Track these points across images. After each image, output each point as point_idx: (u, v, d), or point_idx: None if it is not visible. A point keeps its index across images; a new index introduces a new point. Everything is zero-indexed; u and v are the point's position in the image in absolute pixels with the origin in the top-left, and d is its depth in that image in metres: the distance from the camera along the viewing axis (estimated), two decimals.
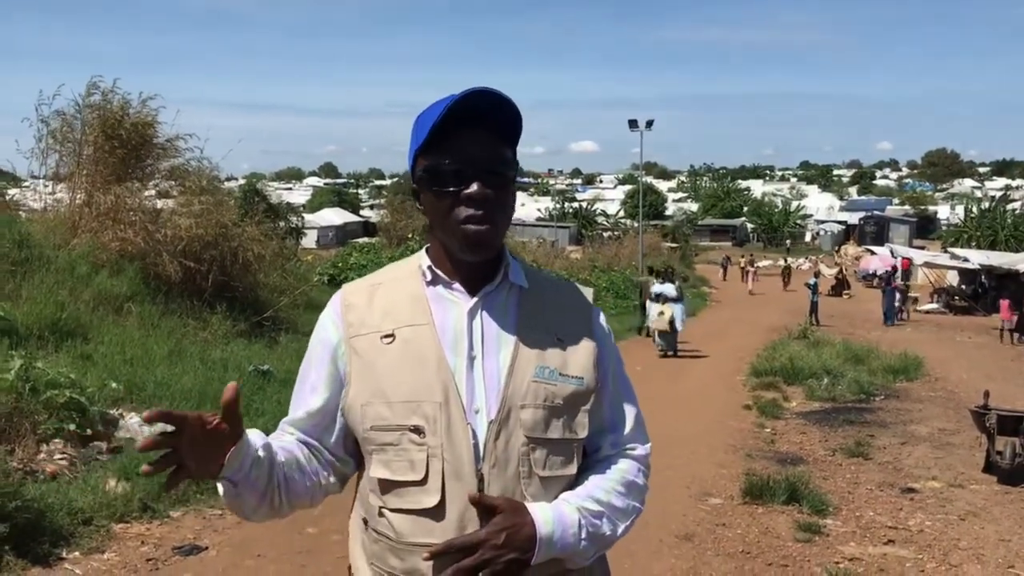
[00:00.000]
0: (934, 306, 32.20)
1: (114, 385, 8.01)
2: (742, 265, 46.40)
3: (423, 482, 1.50)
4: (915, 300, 30.85)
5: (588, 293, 1.75)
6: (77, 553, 5.21)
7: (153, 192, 13.35)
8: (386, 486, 1.53)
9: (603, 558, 1.69)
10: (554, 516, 1.51)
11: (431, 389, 1.51)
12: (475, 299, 1.59)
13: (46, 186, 13.01)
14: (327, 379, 1.61)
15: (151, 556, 5.30)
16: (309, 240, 49.66)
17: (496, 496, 1.49)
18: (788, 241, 71.87)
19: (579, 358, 1.62)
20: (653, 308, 16.71)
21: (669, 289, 16.68)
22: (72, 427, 6.89)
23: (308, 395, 1.64)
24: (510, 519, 1.47)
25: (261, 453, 1.49)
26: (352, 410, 1.57)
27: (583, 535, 1.54)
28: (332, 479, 1.66)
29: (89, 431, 7.07)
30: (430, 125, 1.51)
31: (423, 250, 1.68)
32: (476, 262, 1.59)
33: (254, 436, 1.51)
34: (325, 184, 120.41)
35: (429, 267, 1.62)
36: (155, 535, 5.62)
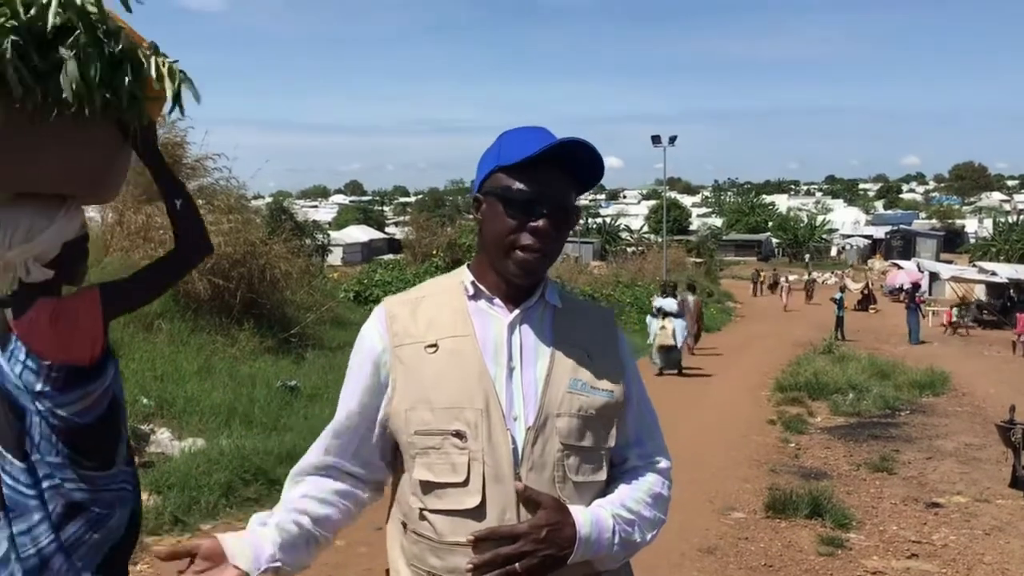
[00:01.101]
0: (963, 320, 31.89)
1: (145, 401, 8.17)
2: (761, 280, 46.29)
3: (465, 484, 1.59)
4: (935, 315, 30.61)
5: (672, 304, 1.87)
6: None
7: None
8: (428, 488, 1.62)
9: (628, 564, 1.78)
10: (592, 519, 1.61)
11: (473, 396, 1.62)
12: (515, 313, 1.69)
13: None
14: (368, 387, 1.71)
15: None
16: (335, 257, 50.08)
17: (542, 492, 1.59)
18: (808, 256, 71.55)
19: (608, 374, 1.72)
20: (654, 323, 16.40)
21: (670, 304, 16.34)
22: None
23: (348, 401, 1.74)
24: (554, 516, 1.57)
25: (278, 540, 1.63)
26: (396, 415, 1.66)
27: (616, 540, 1.63)
28: (365, 493, 1.78)
29: None
30: (527, 151, 1.61)
31: (464, 266, 1.79)
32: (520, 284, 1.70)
33: (262, 540, 1.63)
34: (351, 202, 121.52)
35: (472, 282, 1.72)
36: None
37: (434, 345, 1.66)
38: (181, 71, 2.14)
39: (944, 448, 10.11)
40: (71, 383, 2.10)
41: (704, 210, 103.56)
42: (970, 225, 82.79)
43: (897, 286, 43.84)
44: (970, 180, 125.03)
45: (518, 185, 1.64)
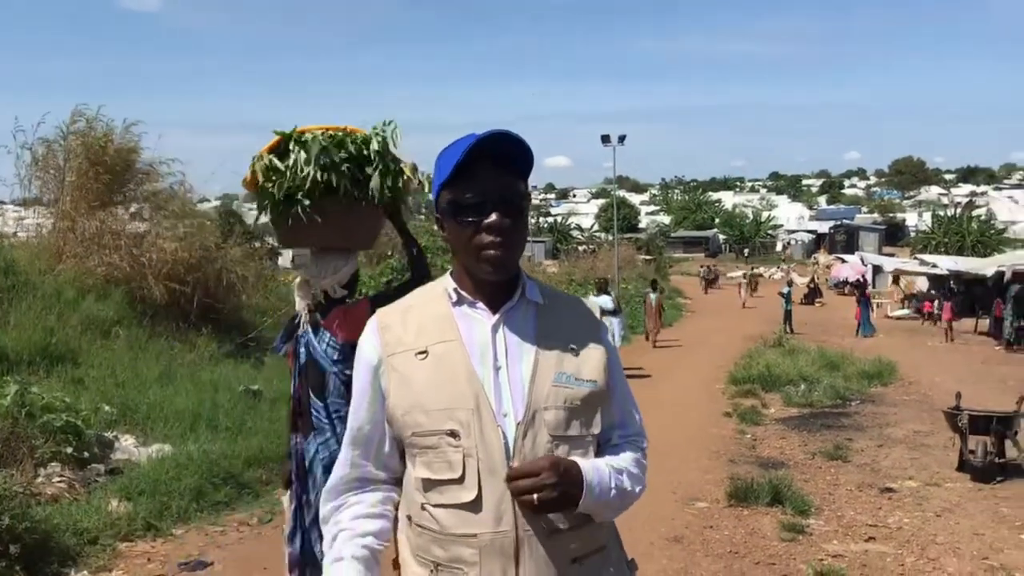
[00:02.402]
0: (905, 312, 32.72)
1: (107, 408, 8.13)
2: (701, 275, 47.19)
3: (461, 480, 1.69)
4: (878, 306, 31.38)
5: (606, 301, 1.98)
6: (85, 572, 5.36)
7: (126, 216, 13.38)
8: (428, 484, 1.73)
9: (618, 537, 1.91)
10: (591, 467, 1.73)
11: (463, 397, 1.71)
12: (497, 315, 1.79)
13: (19, 212, 13.08)
14: (370, 396, 1.82)
15: (158, 573, 5.45)
16: (284, 260, 49.50)
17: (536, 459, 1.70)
18: (746, 251, 72.82)
19: (592, 364, 1.82)
20: None
21: (606, 301, 15.05)
22: (69, 450, 7.00)
23: (356, 411, 1.86)
24: (564, 459, 1.69)
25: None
26: (394, 419, 1.77)
27: (613, 485, 1.75)
28: (397, 493, 1.88)
29: (86, 454, 7.19)
30: (454, 162, 1.72)
31: (447, 274, 1.88)
32: (496, 282, 1.79)
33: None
34: None
35: (455, 289, 1.82)
36: (160, 552, 5.76)
37: (424, 351, 1.76)
38: (423, 172, 3.36)
39: (894, 435, 10.44)
40: (352, 354, 2.60)
41: (652, 208, 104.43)
42: (910, 219, 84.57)
43: (842, 279, 44.90)
44: (909, 175, 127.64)
45: (460, 194, 1.74)
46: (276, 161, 3.21)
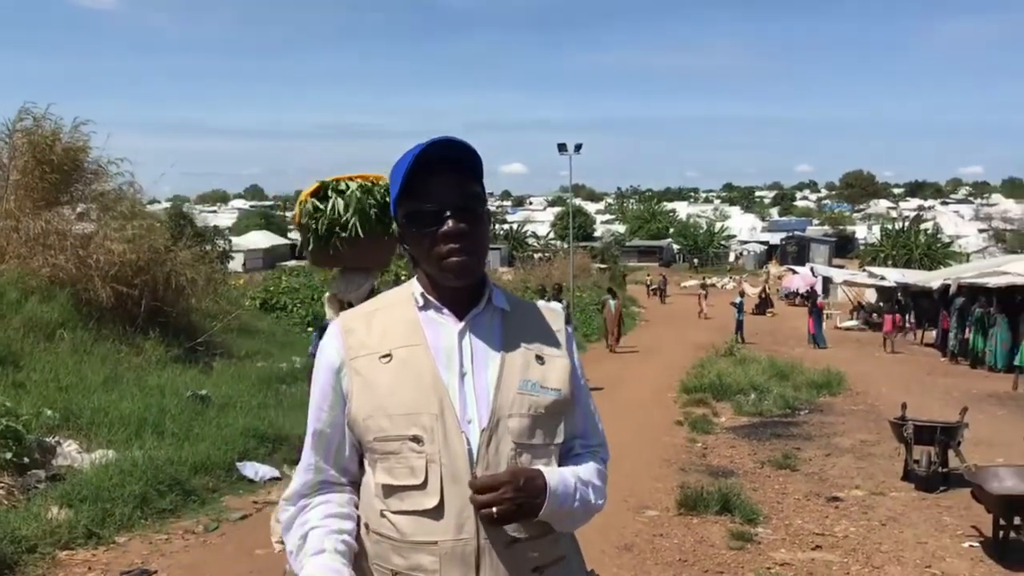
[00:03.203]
0: (854, 323, 33.28)
1: (49, 412, 7.92)
2: (650, 285, 47.65)
3: (423, 486, 1.67)
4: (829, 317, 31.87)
5: (559, 308, 1.96)
6: None
7: (73, 217, 13.13)
8: (389, 490, 1.70)
9: (578, 548, 1.90)
10: (557, 476, 1.71)
11: (428, 402, 1.69)
12: (463, 322, 1.77)
13: None
14: (333, 400, 1.78)
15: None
16: (236, 263, 48.93)
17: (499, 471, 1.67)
18: (695, 260, 73.79)
19: (556, 373, 1.81)
20: None
21: (559, 308, 16.38)
22: (8, 456, 6.81)
23: (315, 416, 1.81)
24: (526, 470, 1.67)
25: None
26: (355, 424, 1.74)
27: (578, 496, 1.74)
28: (357, 496, 1.82)
29: (26, 459, 7.00)
30: (401, 177, 1.71)
31: (415, 279, 1.85)
32: (463, 288, 1.78)
33: (337, 566, 1.67)
34: (251, 207, 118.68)
35: (422, 294, 1.80)
36: (102, 561, 5.62)
37: (388, 355, 1.73)
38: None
39: (842, 445, 10.59)
40: None
41: (608, 217, 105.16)
42: (860, 231, 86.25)
43: (793, 290, 45.54)
44: (859, 188, 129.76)
45: (414, 205, 1.72)
46: (318, 204, 4.14)
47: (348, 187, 4.18)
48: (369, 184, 4.21)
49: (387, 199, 3.96)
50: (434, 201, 1.71)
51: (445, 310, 1.78)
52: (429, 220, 1.71)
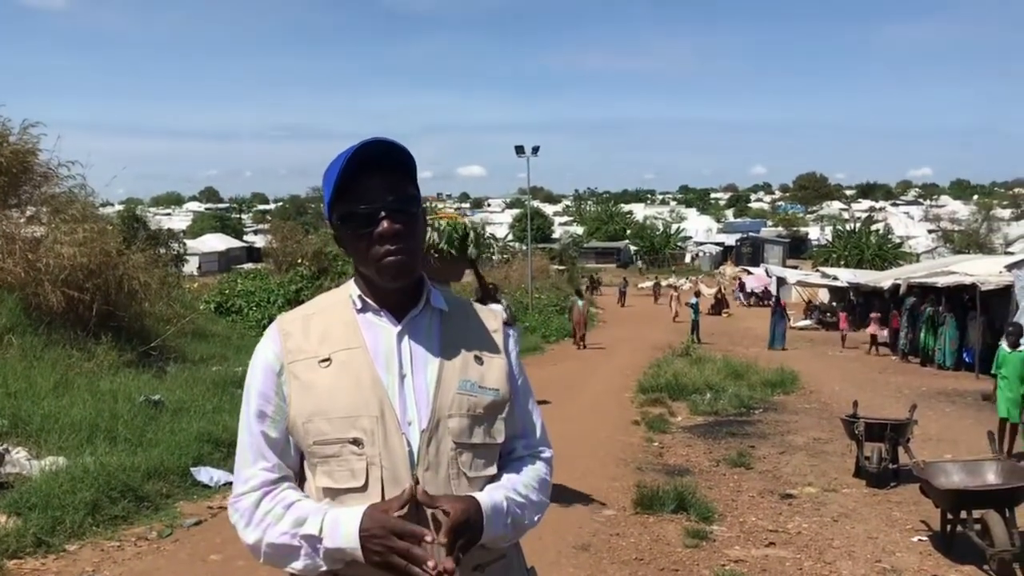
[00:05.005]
0: (807, 322, 33.78)
1: None
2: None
3: (364, 488, 1.66)
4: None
5: (499, 309, 1.98)
6: None
7: (22, 220, 12.88)
8: (330, 494, 1.69)
9: (519, 546, 1.89)
10: (489, 502, 1.69)
11: (368, 405, 1.69)
12: (401, 324, 1.77)
13: None
14: (274, 405, 1.76)
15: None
16: (191, 267, 48.36)
17: (439, 495, 1.65)
18: (640, 263, 74.45)
19: (494, 372, 1.83)
20: None
21: (498, 310, 16.11)
22: None
23: (251, 420, 1.78)
24: (464, 502, 1.64)
25: None
26: (295, 428, 1.72)
27: (509, 520, 1.73)
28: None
29: None
30: (333, 180, 1.70)
31: (352, 280, 1.85)
32: (399, 289, 1.78)
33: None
34: (206, 209, 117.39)
35: (359, 296, 1.79)
36: (52, 570, 5.52)
37: (327, 359, 1.72)
38: (491, 235, 4.84)
39: (795, 443, 10.75)
40: None
41: (566, 219, 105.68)
42: (813, 232, 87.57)
43: (748, 291, 46.11)
44: (812, 190, 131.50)
45: (347, 208, 1.72)
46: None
47: (440, 224, 5.92)
48: (455, 223, 6.04)
49: (466, 233, 6.05)
50: (368, 201, 1.70)
51: (383, 312, 1.78)
52: (364, 221, 1.70)
